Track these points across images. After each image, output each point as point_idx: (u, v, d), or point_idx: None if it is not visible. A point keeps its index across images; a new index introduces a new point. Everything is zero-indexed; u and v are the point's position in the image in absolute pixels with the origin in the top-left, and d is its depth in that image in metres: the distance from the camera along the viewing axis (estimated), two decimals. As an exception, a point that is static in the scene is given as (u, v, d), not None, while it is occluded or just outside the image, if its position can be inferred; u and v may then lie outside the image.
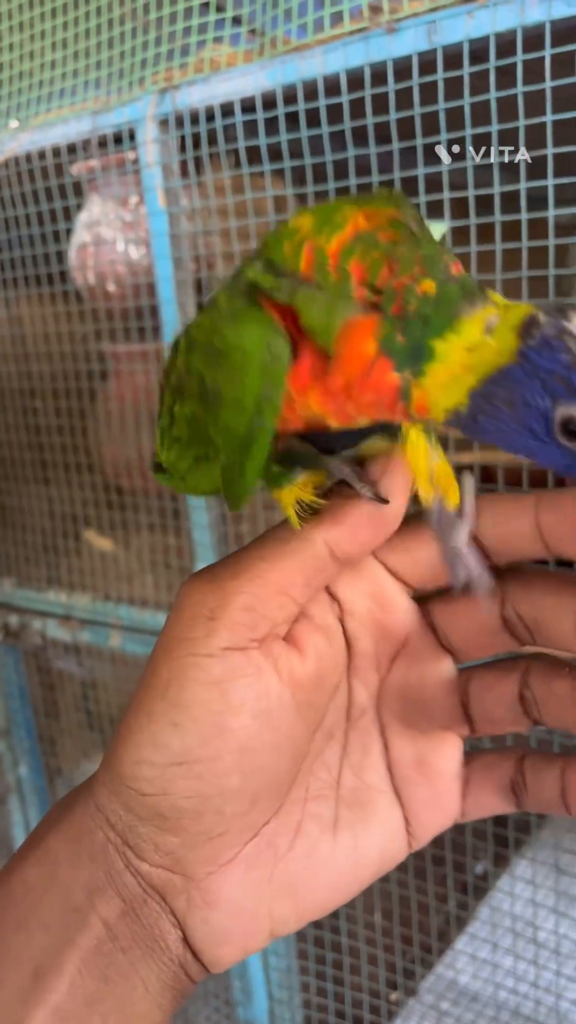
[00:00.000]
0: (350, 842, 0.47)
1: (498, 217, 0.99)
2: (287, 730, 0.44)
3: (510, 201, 1.00)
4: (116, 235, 1.31)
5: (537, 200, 0.99)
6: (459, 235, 1.04)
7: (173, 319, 1.25)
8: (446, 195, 1.01)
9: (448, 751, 0.49)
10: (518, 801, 0.48)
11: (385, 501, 0.41)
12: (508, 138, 0.96)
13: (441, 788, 0.49)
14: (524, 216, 0.97)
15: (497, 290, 0.98)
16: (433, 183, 1.03)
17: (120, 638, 1.47)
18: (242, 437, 0.39)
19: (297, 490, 0.43)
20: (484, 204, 1.01)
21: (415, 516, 0.44)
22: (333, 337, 0.37)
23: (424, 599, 0.48)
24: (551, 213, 0.95)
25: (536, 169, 0.97)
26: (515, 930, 1.27)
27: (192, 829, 0.42)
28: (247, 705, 0.42)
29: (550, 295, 0.98)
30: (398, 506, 0.42)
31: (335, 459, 0.43)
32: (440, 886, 1.41)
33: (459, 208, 1.02)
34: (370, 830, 0.48)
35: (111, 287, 1.33)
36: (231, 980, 1.54)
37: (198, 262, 1.26)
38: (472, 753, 0.50)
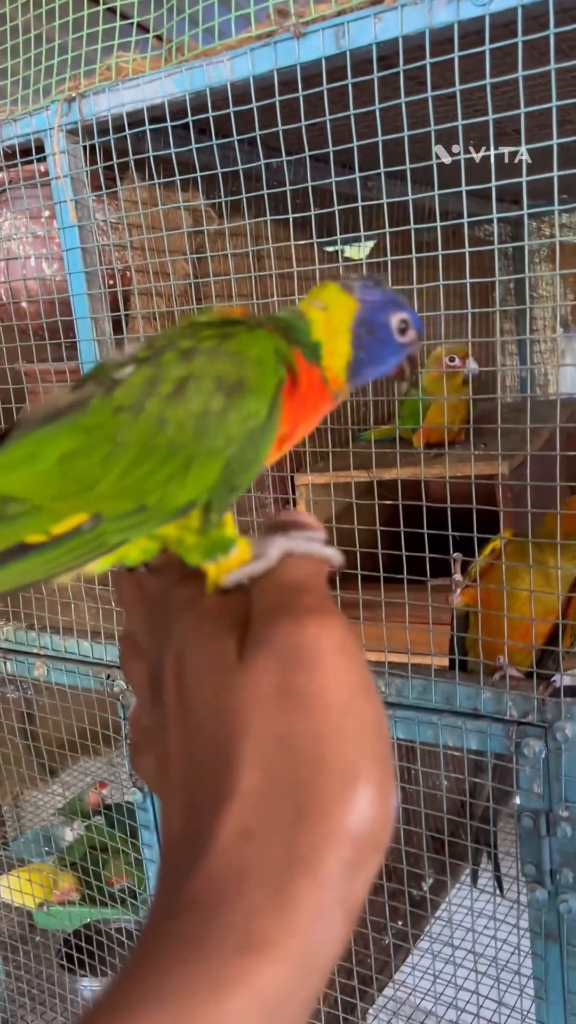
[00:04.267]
0: None
1: (412, 227, 0.96)
2: None
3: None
4: (28, 250, 1.26)
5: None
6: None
7: (88, 335, 1.21)
8: (360, 205, 0.98)
9: None
10: None
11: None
12: (419, 142, 0.94)
13: None
14: (439, 224, 0.94)
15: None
16: (346, 193, 1.00)
17: (44, 668, 1.41)
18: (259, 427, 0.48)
19: (230, 563, 0.46)
20: (402, 216, 0.99)
21: None
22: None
23: None
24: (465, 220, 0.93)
25: (443, 174, 0.95)
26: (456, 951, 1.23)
27: None
28: None
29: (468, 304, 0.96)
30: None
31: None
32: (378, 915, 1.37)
33: (378, 221, 1.00)
34: None
35: (24, 304, 1.28)
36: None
37: (113, 276, 1.21)
38: None
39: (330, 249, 1.66)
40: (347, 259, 1.68)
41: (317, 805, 0.36)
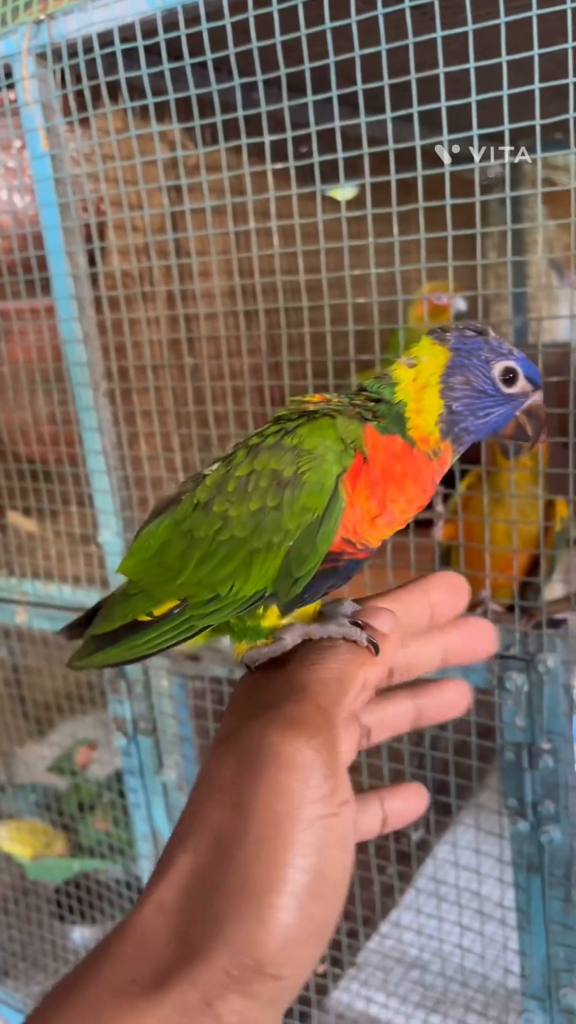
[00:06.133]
0: None
1: (392, 146, 0.93)
2: None
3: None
4: (-1, 183, 1.22)
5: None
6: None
7: (62, 270, 1.17)
8: (336, 124, 0.95)
9: None
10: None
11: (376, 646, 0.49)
12: (398, 62, 0.90)
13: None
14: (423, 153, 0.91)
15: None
16: (323, 113, 0.97)
17: (26, 614, 1.40)
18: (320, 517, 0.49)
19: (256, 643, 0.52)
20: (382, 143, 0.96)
21: None
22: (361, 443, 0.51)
23: None
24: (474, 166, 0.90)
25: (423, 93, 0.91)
26: (446, 895, 1.23)
27: (294, 991, 0.41)
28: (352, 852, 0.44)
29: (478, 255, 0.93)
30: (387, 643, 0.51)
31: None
32: (380, 857, 1.37)
33: (358, 143, 0.96)
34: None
35: (-4, 240, 1.25)
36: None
37: (87, 208, 1.18)
38: None
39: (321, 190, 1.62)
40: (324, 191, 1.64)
41: (215, 907, 0.40)
